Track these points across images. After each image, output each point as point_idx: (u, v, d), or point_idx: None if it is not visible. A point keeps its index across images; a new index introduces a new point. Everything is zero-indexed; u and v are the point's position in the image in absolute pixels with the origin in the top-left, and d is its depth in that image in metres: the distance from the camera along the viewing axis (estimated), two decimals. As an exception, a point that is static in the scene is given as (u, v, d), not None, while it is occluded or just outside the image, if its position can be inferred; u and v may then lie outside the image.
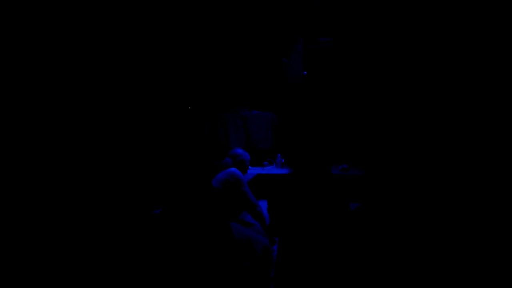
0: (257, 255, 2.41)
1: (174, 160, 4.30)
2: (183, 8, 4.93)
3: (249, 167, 4.41)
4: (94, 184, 3.01)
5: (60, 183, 2.72)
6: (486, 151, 2.98)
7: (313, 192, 2.10)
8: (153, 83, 4.25)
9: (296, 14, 5.35)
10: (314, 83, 5.46)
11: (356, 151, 5.16)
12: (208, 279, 2.11)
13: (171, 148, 4.40)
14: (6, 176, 2.37)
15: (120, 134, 3.49)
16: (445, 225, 2.39)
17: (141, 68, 3.95)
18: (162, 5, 4.38)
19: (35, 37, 2.63)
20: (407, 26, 4.33)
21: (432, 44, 3.81)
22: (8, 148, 2.41)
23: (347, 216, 2.06)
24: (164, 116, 4.44)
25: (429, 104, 3.81)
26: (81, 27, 3.05)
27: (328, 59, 5.41)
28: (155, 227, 2.38)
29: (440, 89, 3.66)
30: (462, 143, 3.26)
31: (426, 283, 2.09)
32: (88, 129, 3.07)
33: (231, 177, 2.71)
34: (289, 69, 5.49)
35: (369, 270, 2.08)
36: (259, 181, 4.41)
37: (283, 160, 4.97)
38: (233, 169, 2.79)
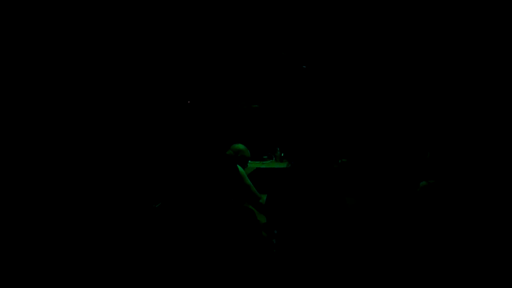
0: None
1: (174, 155, 4.33)
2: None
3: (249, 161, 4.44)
4: (92, 178, 3.03)
5: (58, 179, 2.74)
6: (486, 149, 3.02)
7: (312, 185, 2.13)
8: (151, 77, 4.26)
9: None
10: (313, 77, 5.47)
11: (356, 145, 5.19)
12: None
13: (172, 142, 4.42)
14: (5, 173, 2.39)
15: (119, 129, 3.51)
16: (442, 221, 2.43)
17: (140, 63, 3.96)
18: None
19: (33, 35, 2.64)
20: (407, 26, 4.34)
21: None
22: (7, 145, 2.42)
23: (344, 210, 2.10)
24: (164, 110, 4.46)
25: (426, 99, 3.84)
26: (80, 25, 3.06)
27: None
28: (155, 221, 2.42)
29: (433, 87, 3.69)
30: (457, 140, 3.30)
31: (422, 276, 2.13)
32: (85, 123, 3.09)
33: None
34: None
35: (366, 264, 2.13)
36: (259, 175, 4.45)
37: (282, 154, 5.00)
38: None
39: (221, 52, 5.63)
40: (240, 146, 3.15)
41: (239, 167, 2.83)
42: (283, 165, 4.80)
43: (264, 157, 5.08)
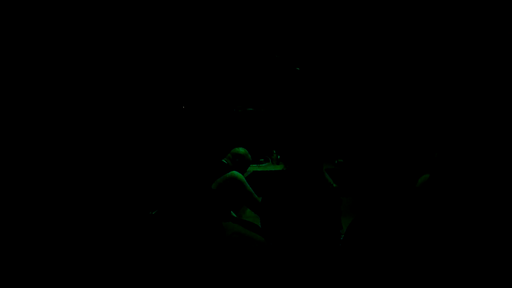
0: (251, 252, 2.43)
1: (171, 160, 4.31)
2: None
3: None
4: (89, 182, 3.01)
5: (55, 182, 2.72)
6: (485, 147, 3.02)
7: (306, 188, 2.12)
8: (149, 82, 4.25)
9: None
10: (307, 79, 5.47)
11: (351, 146, 5.19)
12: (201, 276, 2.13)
13: (168, 147, 4.41)
14: (4, 174, 2.38)
15: (116, 133, 3.49)
16: (442, 221, 2.42)
17: (138, 67, 3.95)
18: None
19: (32, 36, 2.63)
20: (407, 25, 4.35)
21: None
22: (7, 145, 2.41)
23: (339, 212, 2.09)
24: (161, 115, 4.44)
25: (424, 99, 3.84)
26: (79, 26, 3.05)
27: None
28: (150, 227, 2.40)
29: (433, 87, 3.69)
30: (456, 140, 3.30)
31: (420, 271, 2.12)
32: (83, 126, 3.07)
33: (233, 182, 2.71)
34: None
35: (363, 266, 2.11)
36: (255, 179, 4.43)
37: (278, 157, 4.99)
38: (234, 172, 2.77)
39: (215, 55, 5.62)
40: (240, 150, 3.04)
41: (238, 173, 2.77)
42: (279, 167, 4.78)
43: (261, 160, 5.07)
